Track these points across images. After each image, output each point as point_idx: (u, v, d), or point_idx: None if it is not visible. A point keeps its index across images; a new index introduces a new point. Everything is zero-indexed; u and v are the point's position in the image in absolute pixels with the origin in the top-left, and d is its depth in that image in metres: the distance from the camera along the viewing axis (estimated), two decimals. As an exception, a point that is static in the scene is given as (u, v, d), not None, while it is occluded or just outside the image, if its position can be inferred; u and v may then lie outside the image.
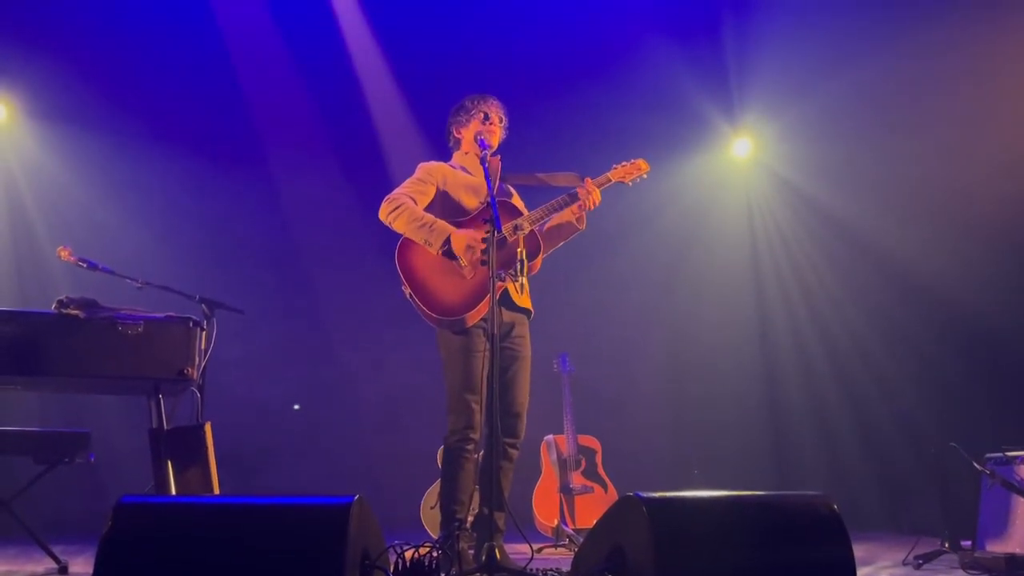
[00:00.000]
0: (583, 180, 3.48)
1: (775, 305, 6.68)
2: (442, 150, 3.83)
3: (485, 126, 3.51)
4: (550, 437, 5.30)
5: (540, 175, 3.64)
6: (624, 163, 3.55)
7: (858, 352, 5.94)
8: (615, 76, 6.47)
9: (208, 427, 3.30)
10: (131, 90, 6.14)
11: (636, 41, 6.42)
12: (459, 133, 3.62)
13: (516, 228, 3.19)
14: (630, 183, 3.54)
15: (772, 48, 6.21)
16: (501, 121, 3.60)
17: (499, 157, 3.56)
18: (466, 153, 3.61)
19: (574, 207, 3.44)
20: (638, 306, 6.87)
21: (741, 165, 6.81)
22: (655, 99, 6.45)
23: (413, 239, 3.26)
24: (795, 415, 6.43)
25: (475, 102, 3.56)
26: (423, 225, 3.24)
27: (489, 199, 2.99)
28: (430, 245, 3.21)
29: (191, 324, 3.10)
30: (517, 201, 3.62)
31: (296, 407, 6.48)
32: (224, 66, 6.22)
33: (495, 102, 3.61)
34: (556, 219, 3.51)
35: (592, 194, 3.41)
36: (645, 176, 3.54)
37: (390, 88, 6.48)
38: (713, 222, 6.88)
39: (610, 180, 3.50)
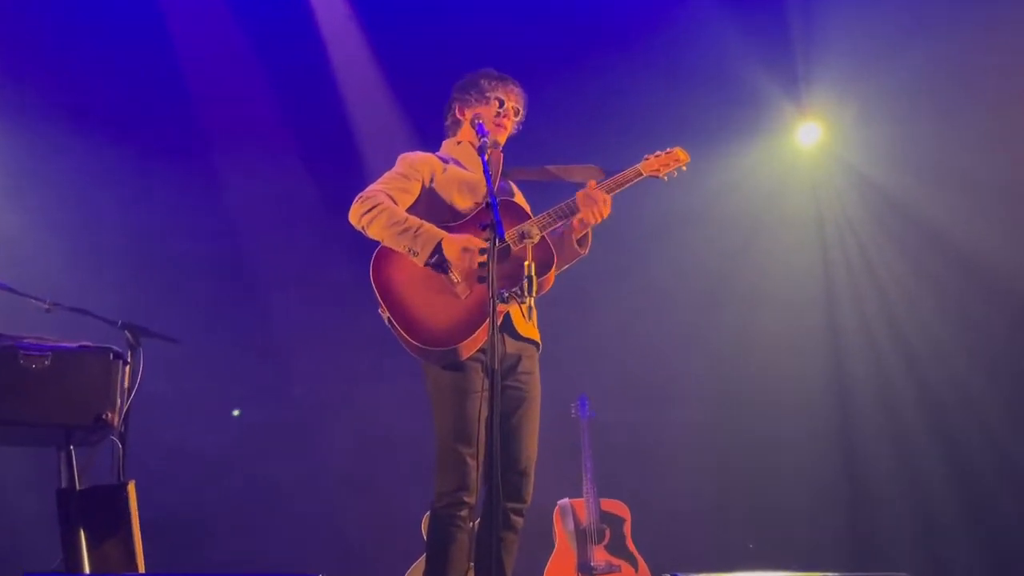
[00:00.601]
0: (606, 175, 3.48)
1: (850, 326, 6.64)
2: (432, 141, 3.80)
3: (497, 117, 3.54)
4: (565, 501, 5.29)
5: (552, 168, 3.62)
6: (658, 153, 3.53)
7: (953, 384, 5.95)
8: (652, 47, 6.41)
9: (132, 486, 3.28)
10: (36, 65, 6.01)
11: (678, 5, 6.39)
12: (462, 114, 3.64)
13: (523, 235, 3.19)
14: (665, 177, 3.52)
15: (847, 12, 6.15)
16: (517, 114, 3.63)
17: (500, 148, 3.58)
18: (459, 142, 3.63)
19: (574, 220, 3.41)
20: (679, 331, 6.78)
21: (808, 155, 6.81)
22: (701, 75, 6.42)
23: (393, 248, 3.26)
24: (875, 465, 6.34)
25: (493, 84, 3.58)
26: (406, 230, 3.23)
27: (488, 199, 2.98)
28: (415, 255, 3.21)
29: (112, 356, 3.07)
30: (521, 201, 3.60)
31: (236, 412, 6.43)
32: (158, 34, 6.07)
33: (517, 90, 3.63)
34: (555, 238, 3.48)
35: (596, 202, 3.34)
36: (684, 168, 3.53)
37: (367, 61, 6.38)
38: (773, 224, 6.86)
39: (640, 174, 3.49)
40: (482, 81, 3.60)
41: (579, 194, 3.40)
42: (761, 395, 6.65)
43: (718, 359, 6.81)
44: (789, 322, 6.77)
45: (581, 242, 3.51)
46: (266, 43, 6.41)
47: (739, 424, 6.70)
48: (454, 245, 3.21)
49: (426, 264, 3.21)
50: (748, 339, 6.77)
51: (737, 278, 6.81)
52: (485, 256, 2.99)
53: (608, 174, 3.52)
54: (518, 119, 3.65)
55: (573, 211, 3.39)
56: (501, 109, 3.57)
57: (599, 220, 3.40)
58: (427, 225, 3.27)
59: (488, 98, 3.56)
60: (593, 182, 3.44)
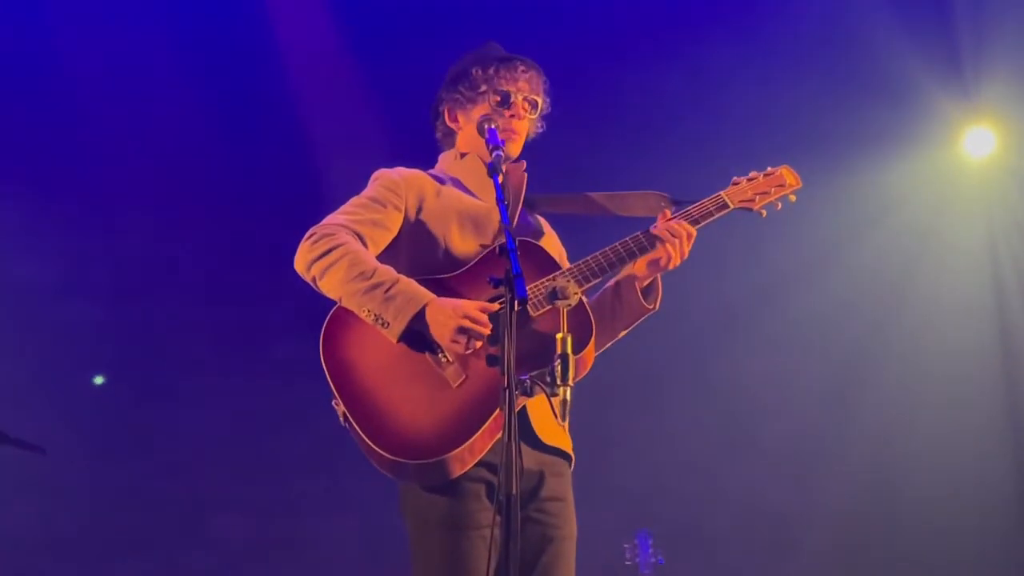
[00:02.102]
0: (675, 205, 3.27)
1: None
2: (426, 156, 3.48)
3: (502, 114, 3.27)
4: None
5: (597, 196, 3.40)
6: (752, 175, 3.33)
7: None
8: (763, 26, 6.46)
9: None
10: None
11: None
12: (455, 119, 3.38)
13: (554, 295, 2.79)
14: (763, 211, 3.32)
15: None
16: (534, 107, 3.34)
17: (524, 164, 3.33)
18: (463, 155, 3.38)
19: (641, 262, 3.17)
20: (799, 429, 6.71)
21: (978, 168, 6.95)
22: (834, 66, 6.52)
23: (353, 310, 3.00)
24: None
25: (488, 70, 3.32)
26: (374, 287, 2.95)
27: (503, 240, 2.74)
28: (385, 325, 2.93)
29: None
30: (552, 243, 3.35)
31: (98, 380, 6.41)
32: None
33: (529, 73, 3.34)
34: (609, 291, 3.29)
35: (679, 236, 3.13)
36: (793, 197, 3.34)
37: (325, 38, 6.25)
38: (934, 259, 6.95)
39: (726, 206, 3.26)
40: (473, 70, 3.31)
41: (657, 226, 3.16)
42: (921, 507, 6.62)
43: (861, 466, 6.76)
44: (958, 392, 6.84)
45: (648, 293, 3.24)
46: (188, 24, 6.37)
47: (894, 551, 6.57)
48: (443, 315, 2.92)
49: (400, 340, 2.95)
50: (903, 432, 6.77)
51: (888, 337, 6.90)
52: (488, 329, 2.85)
53: (677, 204, 3.28)
54: (537, 114, 3.35)
55: (642, 250, 3.14)
56: (505, 107, 3.27)
57: (679, 262, 3.17)
58: (404, 281, 2.97)
59: (483, 93, 3.29)
60: (668, 211, 3.22)
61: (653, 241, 3.16)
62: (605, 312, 3.27)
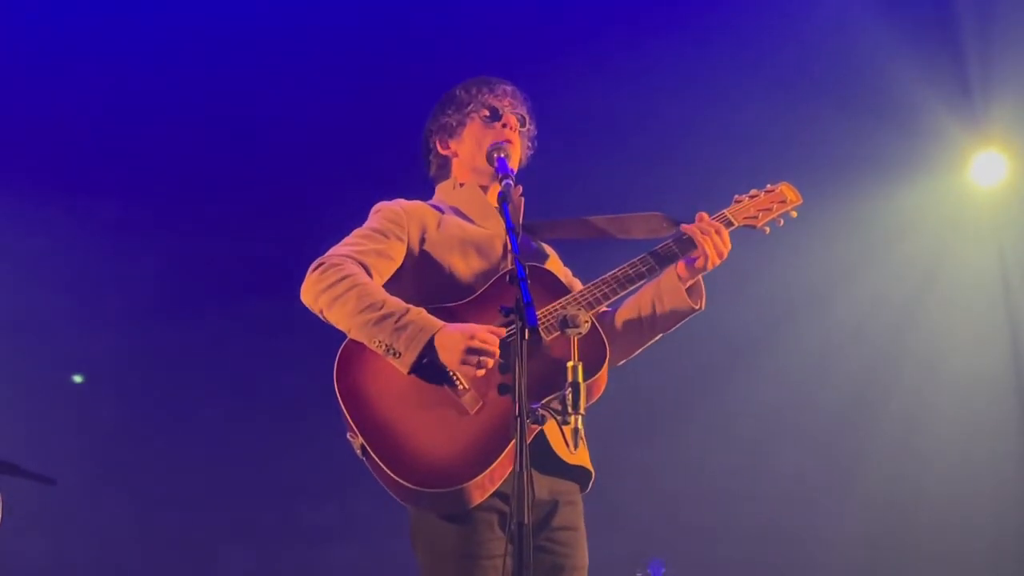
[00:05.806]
0: (677, 226, 3.24)
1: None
2: (424, 187, 3.49)
3: (493, 127, 3.31)
4: None
5: (597, 220, 3.37)
6: (753, 192, 3.35)
7: None
8: (764, 48, 6.46)
9: None
10: None
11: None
12: (447, 147, 3.40)
13: (565, 322, 2.73)
14: (766, 228, 3.32)
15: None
16: (521, 124, 3.37)
17: (520, 189, 3.29)
18: (460, 184, 3.39)
19: (681, 266, 3.17)
20: (816, 448, 6.67)
21: (988, 196, 6.89)
22: (836, 89, 6.49)
23: (364, 342, 2.96)
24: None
25: (472, 91, 3.37)
26: (383, 318, 2.93)
27: (511, 266, 2.81)
28: (397, 355, 2.90)
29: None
30: (557, 266, 3.35)
31: (77, 378, 6.40)
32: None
33: (506, 89, 3.39)
34: (648, 294, 3.27)
35: (711, 236, 3.14)
36: (794, 213, 3.35)
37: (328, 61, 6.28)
38: (946, 282, 6.92)
39: (730, 224, 3.27)
40: (457, 91, 3.37)
41: (687, 228, 3.20)
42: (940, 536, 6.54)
43: (879, 492, 6.75)
44: (973, 427, 6.80)
45: (692, 292, 3.24)
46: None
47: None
48: (452, 339, 2.87)
49: (412, 371, 2.91)
50: (917, 458, 6.72)
51: (899, 363, 6.89)
52: (496, 349, 2.82)
53: (677, 223, 3.28)
54: (526, 130, 3.39)
55: (672, 257, 3.19)
56: (496, 120, 3.31)
57: (718, 260, 3.19)
58: (415, 311, 2.95)
59: (470, 112, 3.33)
60: (704, 213, 3.23)
61: (684, 246, 3.18)
62: (644, 315, 3.29)
